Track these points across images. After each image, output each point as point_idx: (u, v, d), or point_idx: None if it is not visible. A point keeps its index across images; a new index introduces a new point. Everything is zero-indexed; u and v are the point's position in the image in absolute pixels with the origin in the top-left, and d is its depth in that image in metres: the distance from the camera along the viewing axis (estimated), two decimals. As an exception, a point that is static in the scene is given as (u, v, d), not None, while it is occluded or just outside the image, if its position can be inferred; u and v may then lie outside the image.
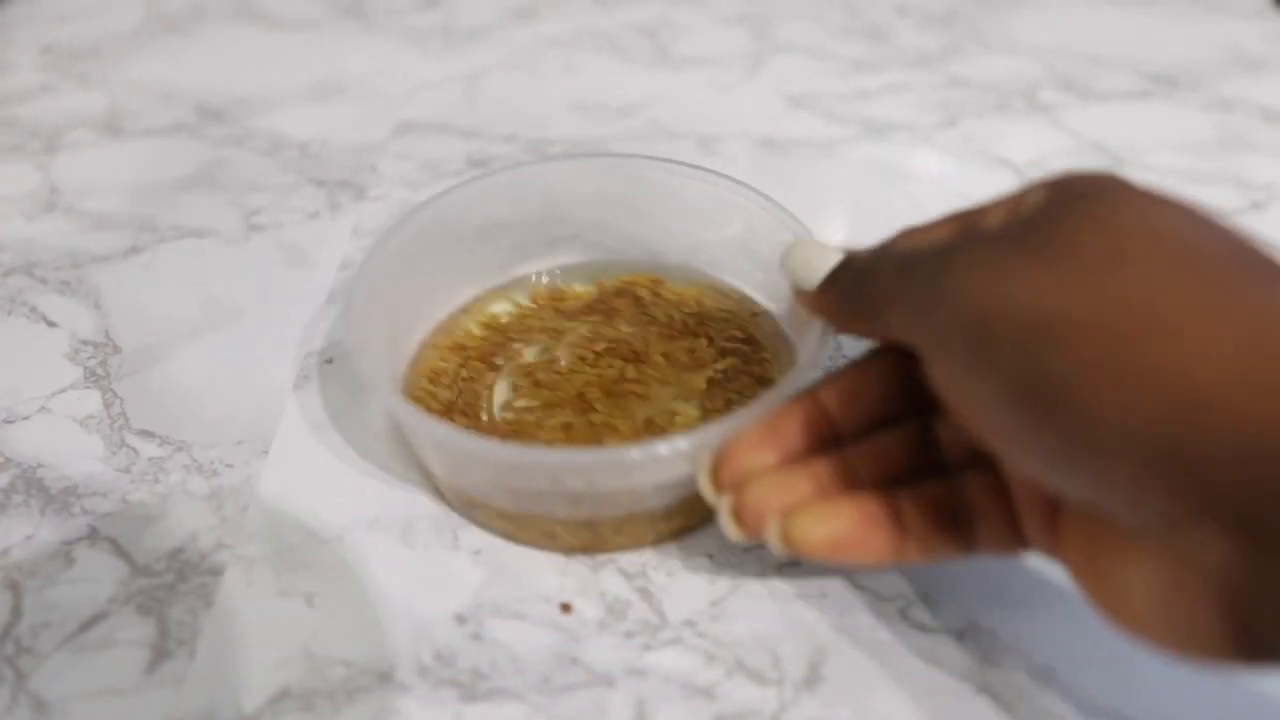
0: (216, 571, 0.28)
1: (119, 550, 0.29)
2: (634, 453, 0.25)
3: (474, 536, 0.29)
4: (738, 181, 0.34)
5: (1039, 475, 0.21)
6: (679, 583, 0.28)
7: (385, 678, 0.26)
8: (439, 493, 0.30)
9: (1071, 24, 0.57)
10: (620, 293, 0.36)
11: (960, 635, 0.26)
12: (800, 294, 0.27)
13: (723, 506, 0.25)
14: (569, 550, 0.29)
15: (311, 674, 0.26)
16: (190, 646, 0.27)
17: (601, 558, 0.29)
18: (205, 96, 0.52)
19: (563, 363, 0.33)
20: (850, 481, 0.25)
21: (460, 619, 0.27)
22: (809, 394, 0.26)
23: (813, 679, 0.26)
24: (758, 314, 0.35)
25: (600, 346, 0.34)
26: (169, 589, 0.28)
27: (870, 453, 0.25)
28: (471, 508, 0.29)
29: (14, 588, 0.28)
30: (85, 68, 0.55)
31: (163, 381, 0.35)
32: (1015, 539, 0.24)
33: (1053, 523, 0.23)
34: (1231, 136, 0.47)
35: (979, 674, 0.26)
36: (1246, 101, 0.50)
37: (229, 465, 0.32)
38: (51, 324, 0.38)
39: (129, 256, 0.41)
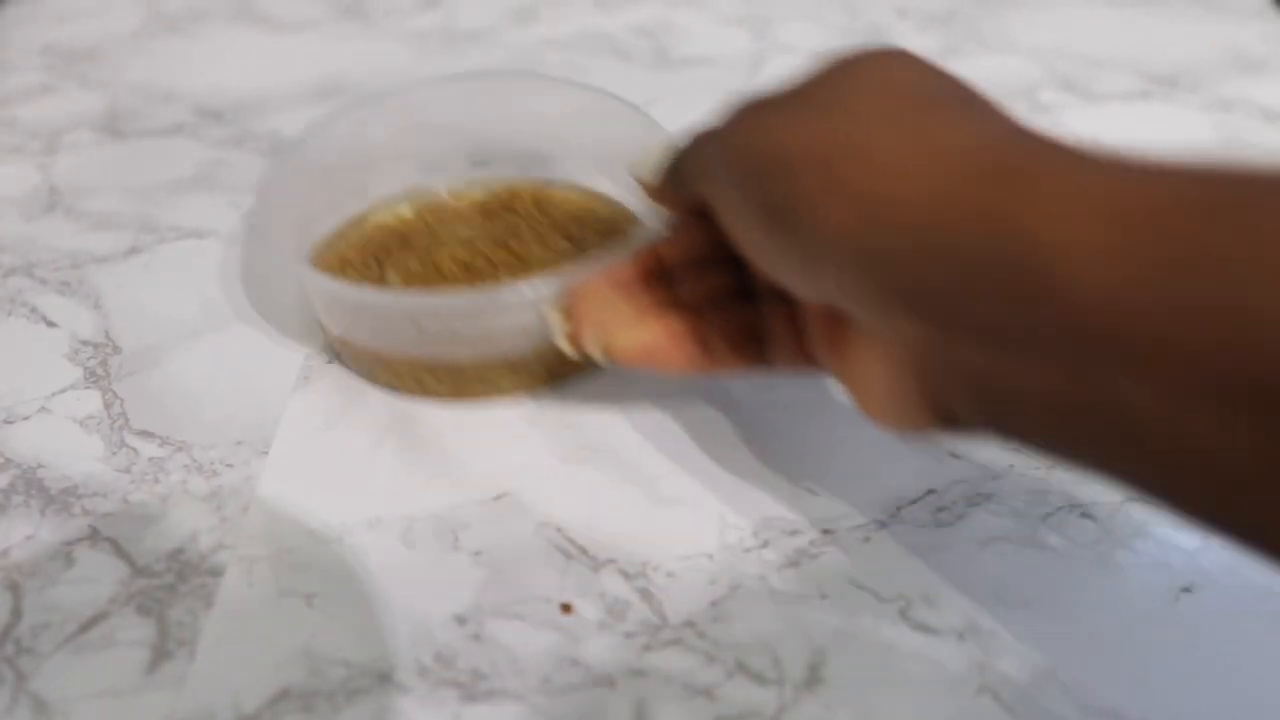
0: (216, 572, 0.28)
1: (119, 551, 0.29)
2: (488, 294, 0.30)
3: (474, 537, 0.29)
4: (617, 98, 0.38)
5: (796, 290, 0.24)
6: (679, 583, 0.28)
7: (385, 678, 0.26)
8: (336, 353, 0.35)
9: (1071, 24, 0.57)
10: (505, 198, 0.40)
11: (960, 635, 0.26)
12: (643, 188, 0.31)
13: (557, 323, 0.29)
14: (439, 397, 0.33)
15: (311, 674, 0.26)
16: (190, 647, 0.27)
17: (601, 557, 0.29)
18: (205, 97, 0.52)
19: (447, 259, 0.37)
20: (670, 308, 0.29)
21: (460, 619, 0.27)
22: (648, 246, 0.30)
23: (813, 680, 0.26)
24: (633, 221, 0.38)
25: (484, 245, 0.38)
26: (169, 589, 0.28)
27: (691, 287, 0.29)
28: (357, 360, 0.34)
29: (14, 588, 0.28)
30: (85, 68, 0.55)
31: (163, 382, 0.35)
32: (803, 357, 0.28)
33: (833, 341, 0.26)
34: (1231, 136, 0.47)
35: (979, 674, 0.26)
36: (1246, 102, 0.50)
37: (229, 465, 0.32)
38: (51, 324, 0.38)
39: (129, 257, 0.41)
